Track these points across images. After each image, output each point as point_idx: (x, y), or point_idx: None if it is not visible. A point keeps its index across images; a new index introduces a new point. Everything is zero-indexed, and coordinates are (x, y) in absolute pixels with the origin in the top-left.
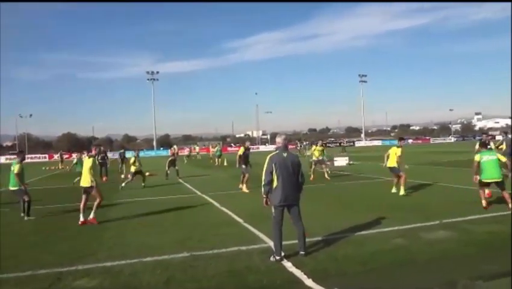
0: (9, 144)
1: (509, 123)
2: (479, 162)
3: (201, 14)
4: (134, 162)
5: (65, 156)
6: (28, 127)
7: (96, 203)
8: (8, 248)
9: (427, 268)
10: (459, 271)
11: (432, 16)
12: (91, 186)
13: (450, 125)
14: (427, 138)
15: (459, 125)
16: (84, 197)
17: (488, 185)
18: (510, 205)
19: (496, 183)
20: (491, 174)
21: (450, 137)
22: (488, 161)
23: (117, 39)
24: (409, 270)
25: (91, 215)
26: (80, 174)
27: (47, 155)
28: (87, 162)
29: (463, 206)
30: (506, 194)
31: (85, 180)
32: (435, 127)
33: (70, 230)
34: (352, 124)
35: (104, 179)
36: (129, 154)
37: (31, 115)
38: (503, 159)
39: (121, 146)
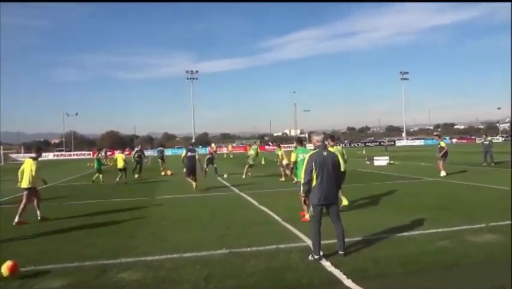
0: (57, 141)
1: None
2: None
3: (237, 13)
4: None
5: (108, 154)
6: (74, 126)
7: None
8: (53, 242)
9: (473, 271)
10: (507, 276)
11: (480, 9)
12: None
13: (497, 124)
14: (473, 137)
15: (508, 124)
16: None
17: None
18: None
19: None
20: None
21: (497, 137)
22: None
23: (157, 40)
24: (453, 273)
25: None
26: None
27: (91, 152)
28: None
29: (509, 208)
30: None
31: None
32: (481, 126)
33: (111, 226)
34: (392, 123)
35: (136, 176)
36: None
37: (76, 114)
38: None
39: (160, 144)
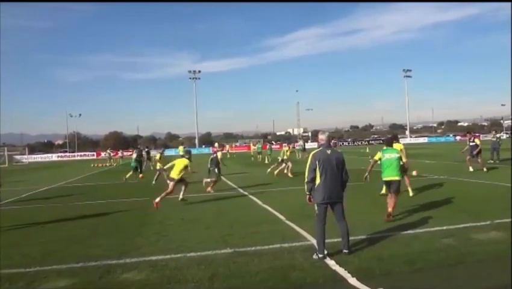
0: (61, 142)
1: None
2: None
3: (239, 12)
4: (160, 158)
5: (112, 154)
6: (78, 126)
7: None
8: (58, 242)
9: (478, 269)
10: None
11: (483, 6)
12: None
13: (501, 121)
14: (477, 134)
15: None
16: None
17: (388, 185)
18: (389, 210)
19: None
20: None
21: (502, 133)
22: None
23: (159, 40)
24: (458, 271)
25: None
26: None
27: (95, 153)
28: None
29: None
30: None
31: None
32: (485, 123)
33: (115, 226)
34: (396, 121)
35: (140, 176)
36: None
37: (80, 114)
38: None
39: (163, 145)
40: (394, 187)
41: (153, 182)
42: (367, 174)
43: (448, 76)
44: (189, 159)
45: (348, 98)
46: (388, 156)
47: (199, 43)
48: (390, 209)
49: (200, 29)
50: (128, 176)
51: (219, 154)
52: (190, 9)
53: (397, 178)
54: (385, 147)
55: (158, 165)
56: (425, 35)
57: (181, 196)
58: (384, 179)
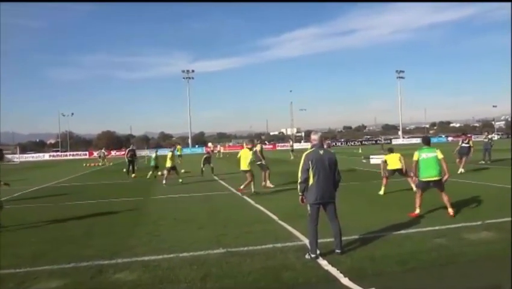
0: (53, 141)
1: None
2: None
3: (235, 12)
4: (172, 156)
5: (106, 154)
6: (70, 126)
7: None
8: (49, 242)
9: (470, 269)
10: (504, 273)
11: (478, 7)
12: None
13: (493, 122)
14: (469, 135)
15: (503, 122)
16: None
17: (427, 185)
18: (450, 210)
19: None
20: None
21: (493, 134)
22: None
23: (153, 39)
24: (450, 271)
25: (242, 186)
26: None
27: (87, 152)
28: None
29: (505, 206)
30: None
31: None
32: (477, 125)
33: (108, 226)
34: (389, 121)
35: (133, 176)
36: (165, 151)
37: (72, 114)
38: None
39: (156, 144)
40: (437, 186)
41: (180, 180)
42: (414, 177)
43: (442, 76)
44: (251, 149)
45: (342, 98)
46: (425, 156)
47: (195, 43)
48: (450, 209)
49: (195, 28)
50: (159, 173)
51: (258, 147)
52: (186, 9)
53: (436, 178)
54: (424, 147)
55: (169, 162)
56: (421, 36)
57: (267, 183)
58: (422, 179)
